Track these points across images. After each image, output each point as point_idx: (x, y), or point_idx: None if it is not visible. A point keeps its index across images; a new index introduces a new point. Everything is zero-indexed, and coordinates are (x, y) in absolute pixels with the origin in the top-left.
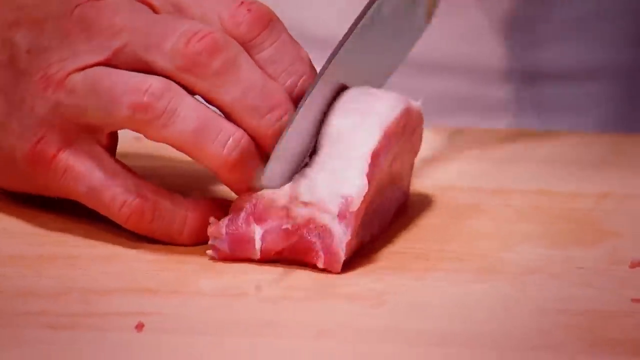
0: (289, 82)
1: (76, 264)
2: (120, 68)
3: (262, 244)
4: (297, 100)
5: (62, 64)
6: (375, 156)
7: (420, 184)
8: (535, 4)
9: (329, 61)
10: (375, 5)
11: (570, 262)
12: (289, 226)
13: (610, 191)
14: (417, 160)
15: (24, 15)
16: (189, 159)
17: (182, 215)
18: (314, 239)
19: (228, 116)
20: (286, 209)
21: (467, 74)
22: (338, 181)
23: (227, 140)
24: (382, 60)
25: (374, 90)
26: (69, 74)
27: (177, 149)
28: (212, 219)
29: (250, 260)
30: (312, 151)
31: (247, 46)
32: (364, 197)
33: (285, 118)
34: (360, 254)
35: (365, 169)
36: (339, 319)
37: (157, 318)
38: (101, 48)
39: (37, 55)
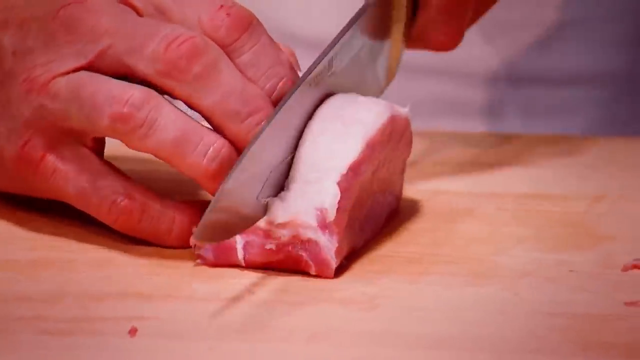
0: (268, 86)
1: (70, 268)
2: (104, 72)
3: (244, 254)
4: (276, 103)
5: (46, 67)
6: (357, 166)
7: (412, 188)
8: (521, 9)
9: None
10: (325, 60)
11: (563, 266)
12: (272, 246)
13: (603, 194)
14: (408, 164)
15: (13, 15)
16: None
17: (170, 217)
18: (300, 252)
19: (209, 120)
20: (266, 231)
21: (453, 78)
22: (312, 194)
23: (207, 150)
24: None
25: (359, 98)
26: (53, 77)
27: (158, 158)
28: (194, 229)
29: (241, 266)
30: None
31: (227, 50)
32: (341, 205)
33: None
34: (353, 258)
35: (338, 178)
36: (332, 323)
37: (151, 322)
38: (85, 51)
39: (23, 57)
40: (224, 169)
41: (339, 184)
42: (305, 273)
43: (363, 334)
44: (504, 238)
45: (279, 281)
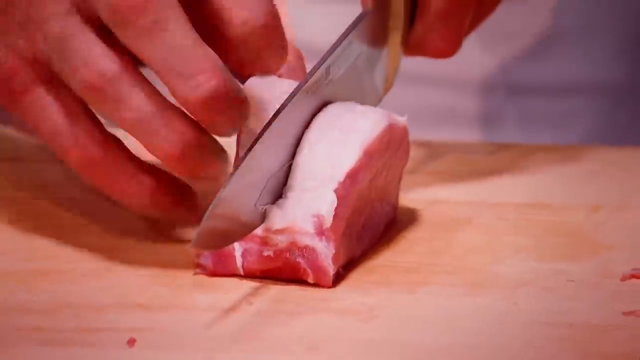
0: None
1: (69, 279)
2: (88, 17)
3: (243, 262)
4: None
5: (44, 4)
6: (354, 174)
7: (410, 197)
8: (518, 18)
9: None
10: (322, 68)
11: (561, 275)
12: (270, 253)
13: (601, 204)
14: (406, 173)
15: None
16: None
17: (140, 179)
18: (298, 259)
19: (158, 76)
20: (263, 238)
21: (450, 87)
22: (309, 201)
23: (170, 135)
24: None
25: (357, 107)
26: (50, 15)
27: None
28: (193, 237)
29: (238, 275)
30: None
31: None
32: (338, 212)
33: (211, 84)
34: (351, 268)
35: (335, 186)
36: (331, 333)
37: (149, 333)
38: None
39: None
40: (188, 153)
41: (336, 191)
42: (303, 282)
43: (362, 344)
44: (502, 247)
45: (276, 291)
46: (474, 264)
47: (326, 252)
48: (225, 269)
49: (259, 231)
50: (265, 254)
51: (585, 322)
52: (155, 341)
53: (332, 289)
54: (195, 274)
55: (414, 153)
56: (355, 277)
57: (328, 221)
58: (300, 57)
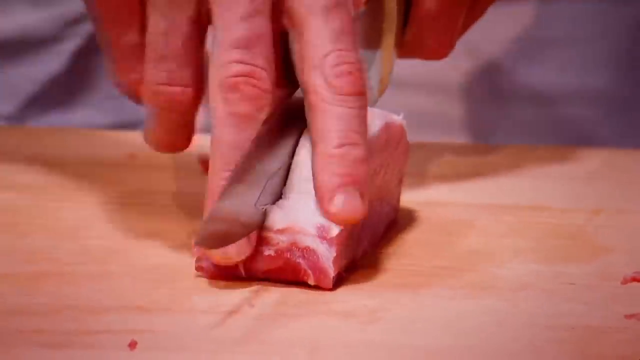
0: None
1: (69, 281)
2: None
3: (244, 262)
4: None
5: None
6: None
7: (410, 199)
8: (503, 25)
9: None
10: None
11: (562, 278)
12: (271, 252)
13: (602, 207)
14: (406, 175)
15: None
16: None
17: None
18: (299, 260)
19: None
20: (264, 237)
21: (435, 93)
22: (311, 204)
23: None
24: None
25: None
26: None
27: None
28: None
29: (240, 278)
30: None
31: None
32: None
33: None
34: (352, 270)
35: None
36: (332, 335)
37: (151, 336)
38: None
39: None
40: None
41: None
42: (304, 284)
43: (363, 347)
44: (503, 250)
45: (278, 294)
46: (474, 266)
47: (327, 254)
48: (226, 270)
49: (261, 231)
50: (266, 253)
51: (585, 324)
52: (156, 344)
53: (334, 292)
54: (196, 276)
55: (414, 155)
56: (357, 279)
57: (334, 231)
58: None
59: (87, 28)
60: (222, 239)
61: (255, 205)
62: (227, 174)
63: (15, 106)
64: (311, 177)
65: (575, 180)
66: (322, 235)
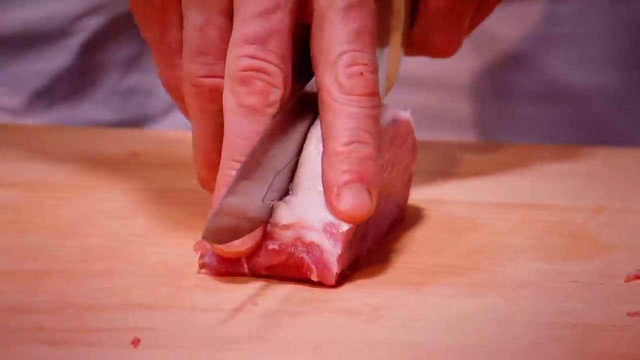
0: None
1: (72, 279)
2: None
3: (247, 259)
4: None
5: None
6: None
7: (413, 197)
8: (514, 24)
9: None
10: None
11: (564, 276)
12: (275, 246)
13: (604, 205)
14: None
15: None
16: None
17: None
18: (302, 255)
19: None
20: (269, 234)
21: (440, 91)
22: (320, 201)
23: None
24: None
25: None
26: None
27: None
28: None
29: (244, 275)
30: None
31: None
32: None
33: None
34: (356, 268)
35: None
36: (335, 333)
37: (153, 333)
38: None
39: None
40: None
41: None
42: (307, 281)
43: (366, 345)
44: (505, 248)
45: (281, 291)
46: (477, 264)
47: (332, 250)
48: (229, 266)
49: (267, 226)
50: (270, 247)
51: (587, 322)
52: (160, 341)
53: (337, 290)
54: (199, 273)
55: (420, 152)
56: (360, 277)
57: (343, 228)
58: None
59: (93, 23)
60: (228, 234)
61: (262, 200)
62: (233, 164)
63: (21, 100)
64: (319, 174)
65: (577, 178)
66: (330, 231)
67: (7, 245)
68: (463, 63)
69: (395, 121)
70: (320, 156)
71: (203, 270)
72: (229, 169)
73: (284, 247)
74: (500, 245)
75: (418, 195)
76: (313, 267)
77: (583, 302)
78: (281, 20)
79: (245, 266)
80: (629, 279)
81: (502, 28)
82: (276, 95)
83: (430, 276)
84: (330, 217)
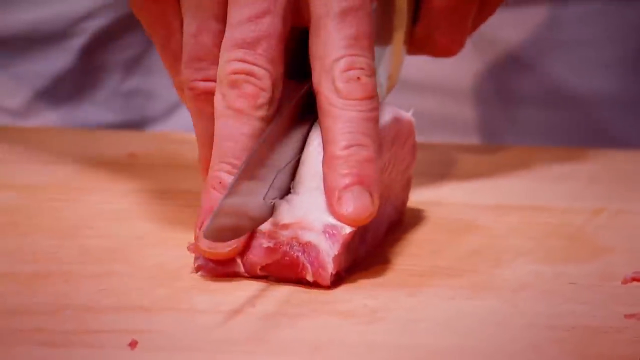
0: None
1: (71, 281)
2: None
3: (243, 259)
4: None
5: None
6: None
7: (414, 198)
8: (517, 27)
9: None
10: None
11: (562, 278)
12: (270, 244)
13: (603, 207)
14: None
15: None
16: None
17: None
18: (297, 254)
19: None
20: (269, 233)
21: (442, 95)
22: (321, 201)
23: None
24: None
25: None
26: None
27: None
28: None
29: (241, 276)
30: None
31: None
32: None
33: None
34: (354, 270)
35: None
36: (334, 335)
37: (151, 335)
38: None
39: None
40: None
41: None
42: (302, 281)
43: (365, 347)
44: (504, 250)
45: (279, 293)
46: (475, 266)
47: (328, 251)
48: (225, 267)
49: (266, 225)
50: (265, 245)
51: (585, 324)
52: (158, 343)
53: (335, 291)
54: (195, 274)
55: (420, 154)
56: (359, 279)
57: (345, 230)
58: None
59: (95, 25)
60: (229, 233)
61: (264, 198)
62: (222, 165)
63: (22, 101)
64: (321, 172)
65: (575, 180)
66: (330, 232)
67: (6, 247)
68: (466, 67)
69: (397, 121)
70: (321, 155)
71: (199, 272)
72: (217, 170)
73: (279, 245)
74: (499, 247)
75: (417, 197)
76: (308, 266)
77: (581, 304)
78: (271, 25)
79: (241, 266)
80: (625, 281)
81: (505, 31)
82: (264, 98)
83: (429, 278)
84: (332, 220)
